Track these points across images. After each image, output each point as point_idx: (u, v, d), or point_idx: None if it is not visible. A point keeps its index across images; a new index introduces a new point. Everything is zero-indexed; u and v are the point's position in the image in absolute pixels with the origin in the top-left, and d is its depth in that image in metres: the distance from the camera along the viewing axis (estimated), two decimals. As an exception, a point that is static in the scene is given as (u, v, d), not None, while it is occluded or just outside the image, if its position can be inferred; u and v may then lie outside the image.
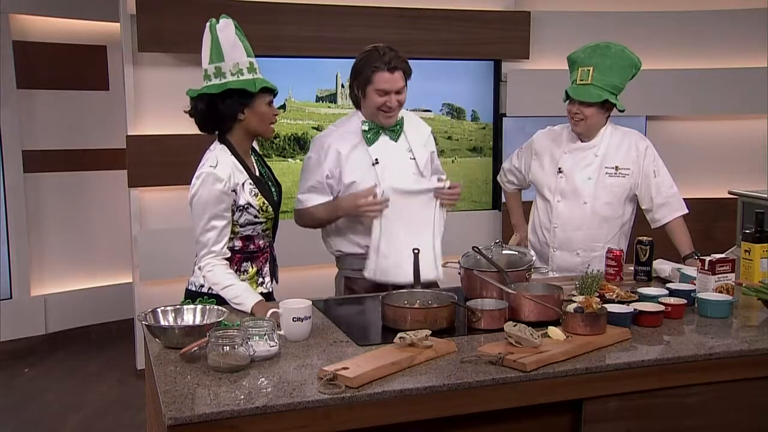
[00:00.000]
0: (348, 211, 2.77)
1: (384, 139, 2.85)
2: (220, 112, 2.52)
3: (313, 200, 2.86)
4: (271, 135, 2.66)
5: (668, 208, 3.07)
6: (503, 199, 4.91)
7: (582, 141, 3.09)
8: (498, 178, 3.51)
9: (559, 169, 3.09)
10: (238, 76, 2.48)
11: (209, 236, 2.47)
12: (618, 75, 2.95)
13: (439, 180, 2.81)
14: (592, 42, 3.01)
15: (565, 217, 3.08)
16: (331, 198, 2.84)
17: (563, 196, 3.09)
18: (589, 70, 2.93)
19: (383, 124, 2.83)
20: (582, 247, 3.08)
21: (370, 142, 2.83)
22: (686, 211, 3.09)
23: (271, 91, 2.56)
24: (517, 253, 2.75)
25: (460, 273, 2.66)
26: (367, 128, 2.82)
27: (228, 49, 2.47)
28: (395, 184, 2.77)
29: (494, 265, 2.54)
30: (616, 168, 3.05)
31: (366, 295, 2.81)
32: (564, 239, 3.09)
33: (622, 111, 3.03)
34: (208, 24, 2.50)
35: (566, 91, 3.00)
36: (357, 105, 2.88)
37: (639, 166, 3.06)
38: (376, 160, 2.81)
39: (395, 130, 2.87)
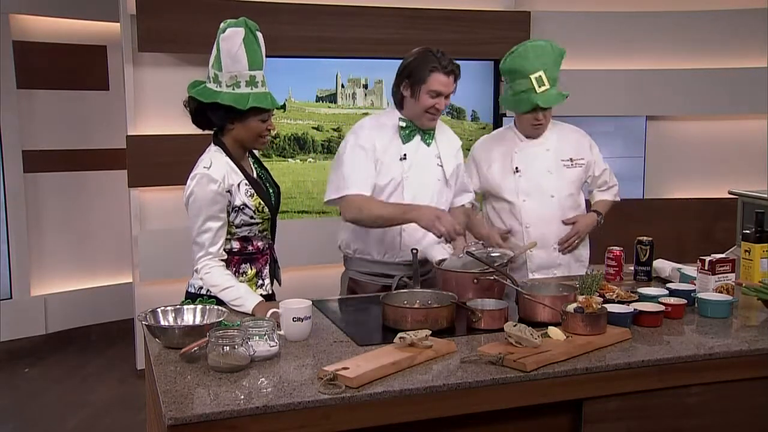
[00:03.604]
0: (423, 218, 2.62)
1: (417, 140, 2.87)
2: (209, 118, 2.52)
3: (360, 185, 2.76)
4: (262, 148, 2.64)
5: (614, 190, 3.31)
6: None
7: (528, 138, 3.13)
8: None
9: (516, 168, 3.11)
10: (233, 89, 2.44)
11: (205, 238, 2.46)
12: (556, 68, 3.02)
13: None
14: (517, 47, 3.02)
15: (535, 214, 3.09)
16: (373, 180, 2.79)
17: (528, 195, 3.10)
18: (541, 76, 2.96)
19: (425, 126, 2.85)
20: (557, 241, 3.12)
21: (405, 139, 2.85)
22: (619, 199, 3.35)
23: (266, 109, 2.50)
24: (499, 254, 2.70)
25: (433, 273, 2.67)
26: (404, 125, 2.85)
27: (226, 61, 2.43)
28: (423, 194, 2.82)
29: (495, 269, 2.53)
30: (571, 160, 3.14)
31: (366, 295, 2.82)
32: (538, 237, 3.09)
33: (567, 96, 3.07)
34: (220, 27, 2.47)
35: (536, 103, 2.97)
36: (397, 103, 2.89)
37: (590, 158, 3.19)
38: (405, 155, 2.83)
39: (429, 134, 2.89)
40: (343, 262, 3.03)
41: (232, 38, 2.42)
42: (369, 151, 2.80)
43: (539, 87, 2.97)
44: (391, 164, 2.82)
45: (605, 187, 3.30)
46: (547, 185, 3.10)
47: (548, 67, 2.98)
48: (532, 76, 2.96)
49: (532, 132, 3.12)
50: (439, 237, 2.63)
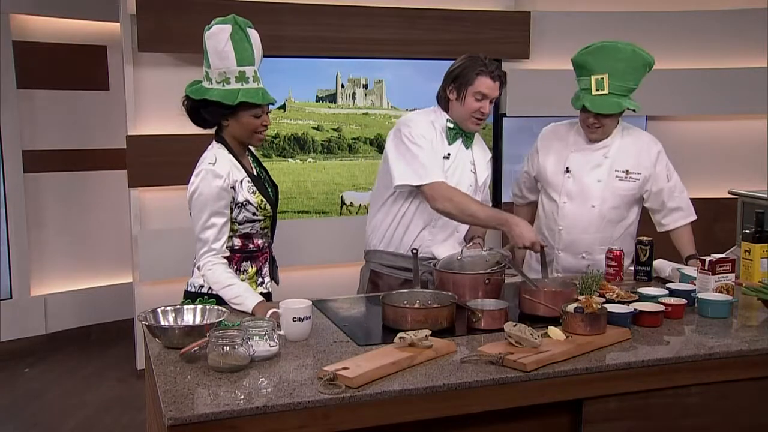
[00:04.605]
0: (518, 238, 2.62)
1: (459, 142, 2.91)
2: (203, 116, 2.53)
3: (440, 173, 2.78)
4: (258, 144, 2.64)
5: (680, 213, 3.06)
6: (503, 199, 4.92)
7: (590, 140, 3.03)
8: (511, 192, 3.41)
9: (567, 168, 3.03)
10: (223, 85, 2.45)
11: (209, 234, 2.47)
12: (632, 77, 2.88)
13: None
14: (597, 42, 2.90)
15: (571, 219, 3.02)
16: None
17: (570, 198, 3.02)
18: (603, 79, 2.84)
19: (469, 130, 2.89)
20: (587, 250, 3.03)
21: (450, 140, 2.89)
22: (695, 217, 3.07)
23: (257, 105, 2.49)
24: (497, 254, 2.67)
25: (431, 275, 2.67)
26: (452, 126, 2.88)
27: (213, 59, 2.44)
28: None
29: (521, 274, 2.54)
30: (627, 172, 2.99)
31: (367, 294, 2.82)
32: (569, 242, 3.04)
33: (636, 111, 2.94)
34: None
35: (583, 104, 2.88)
36: (442, 106, 2.91)
37: (651, 172, 3.02)
38: (448, 154, 2.87)
39: (470, 139, 2.94)
40: (364, 255, 3.03)
41: (217, 35, 2.43)
42: (431, 142, 2.83)
43: (596, 89, 2.85)
44: (438, 161, 2.85)
45: (670, 212, 3.06)
46: (592, 194, 2.99)
47: (616, 73, 2.83)
48: (593, 77, 2.85)
49: (588, 134, 3.00)
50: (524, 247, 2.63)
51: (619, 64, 2.85)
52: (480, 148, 3.02)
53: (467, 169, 2.93)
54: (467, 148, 2.94)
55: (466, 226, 2.94)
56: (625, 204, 3.03)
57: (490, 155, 3.09)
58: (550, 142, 3.12)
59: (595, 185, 3.00)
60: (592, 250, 3.03)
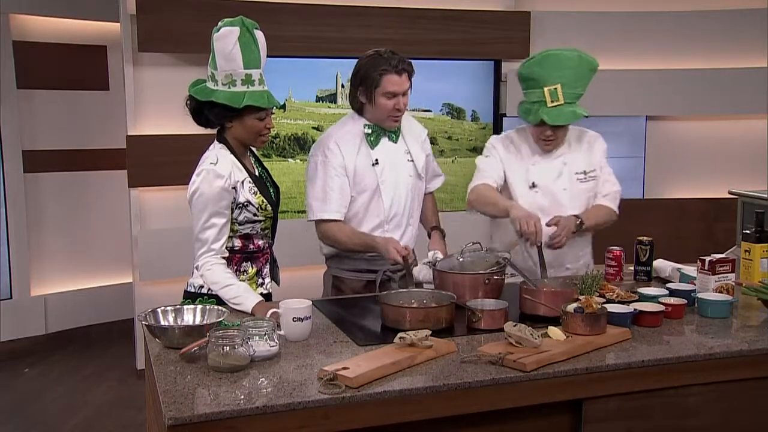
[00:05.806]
0: (381, 251, 2.69)
1: (384, 141, 2.87)
2: (207, 117, 2.53)
3: (335, 209, 2.80)
4: (261, 146, 2.64)
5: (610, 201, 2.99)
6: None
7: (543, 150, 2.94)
8: (471, 186, 3.07)
9: (533, 183, 2.92)
10: (229, 87, 2.45)
11: (209, 234, 2.46)
12: (582, 84, 2.81)
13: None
14: (542, 52, 2.83)
15: (551, 232, 2.82)
16: (348, 197, 2.82)
17: (543, 212, 2.83)
18: (556, 89, 2.75)
19: (389, 128, 2.85)
20: (570, 260, 2.97)
21: (373, 144, 2.84)
22: (617, 212, 2.99)
23: (262, 108, 2.48)
24: (497, 254, 2.67)
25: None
26: (370, 131, 2.83)
27: (220, 61, 2.43)
28: (399, 194, 2.85)
29: (520, 273, 2.54)
30: (585, 173, 2.95)
31: (366, 295, 2.82)
32: (553, 256, 2.87)
33: (587, 116, 2.83)
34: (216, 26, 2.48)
35: (541, 118, 2.78)
36: (357, 110, 2.86)
37: (599, 165, 2.98)
38: (376, 160, 2.83)
39: (395, 132, 2.89)
40: (325, 261, 2.99)
41: (226, 37, 2.42)
42: (338, 168, 2.79)
43: (551, 101, 2.77)
44: (365, 173, 2.81)
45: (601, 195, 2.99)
46: (563, 203, 2.91)
47: (568, 81, 2.75)
48: (546, 88, 2.76)
49: (542, 147, 2.92)
50: (395, 263, 2.65)
51: (568, 72, 2.77)
52: (411, 132, 2.95)
53: (402, 161, 2.89)
54: (395, 141, 2.88)
55: (415, 222, 2.95)
56: (587, 204, 2.97)
57: (426, 132, 3.02)
58: (509, 154, 2.98)
59: (563, 194, 2.92)
60: (574, 259, 2.97)
